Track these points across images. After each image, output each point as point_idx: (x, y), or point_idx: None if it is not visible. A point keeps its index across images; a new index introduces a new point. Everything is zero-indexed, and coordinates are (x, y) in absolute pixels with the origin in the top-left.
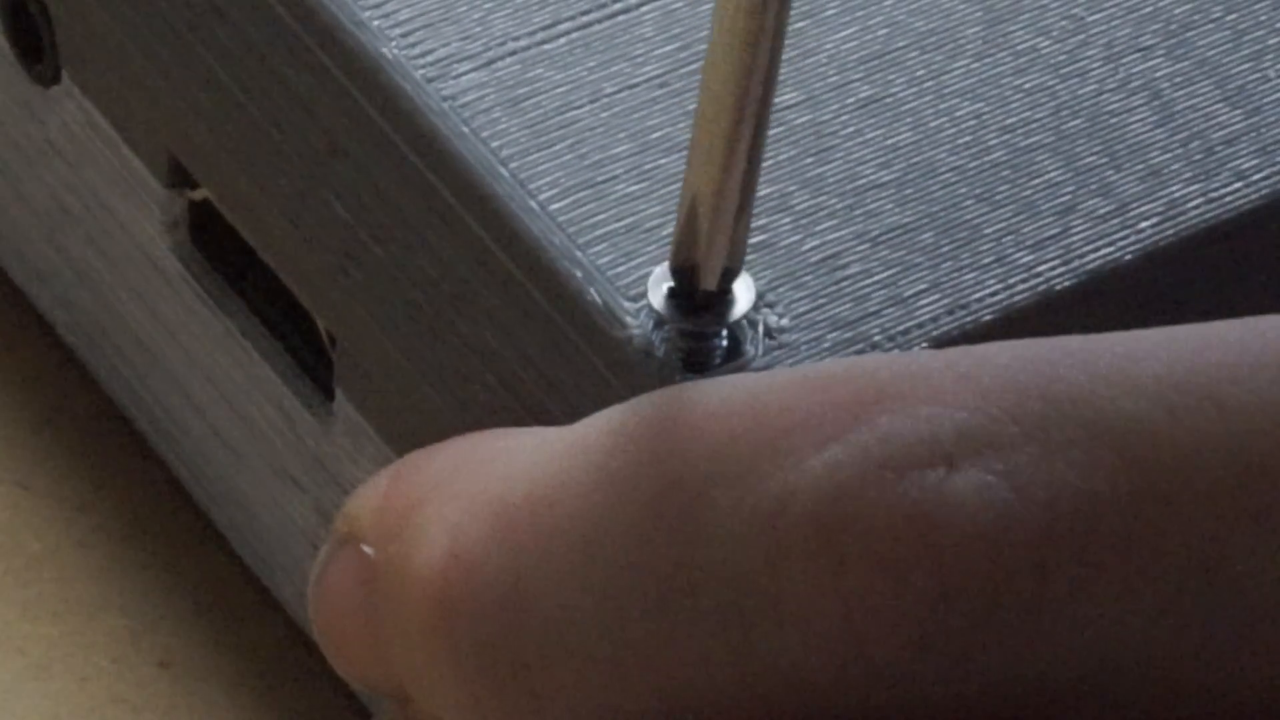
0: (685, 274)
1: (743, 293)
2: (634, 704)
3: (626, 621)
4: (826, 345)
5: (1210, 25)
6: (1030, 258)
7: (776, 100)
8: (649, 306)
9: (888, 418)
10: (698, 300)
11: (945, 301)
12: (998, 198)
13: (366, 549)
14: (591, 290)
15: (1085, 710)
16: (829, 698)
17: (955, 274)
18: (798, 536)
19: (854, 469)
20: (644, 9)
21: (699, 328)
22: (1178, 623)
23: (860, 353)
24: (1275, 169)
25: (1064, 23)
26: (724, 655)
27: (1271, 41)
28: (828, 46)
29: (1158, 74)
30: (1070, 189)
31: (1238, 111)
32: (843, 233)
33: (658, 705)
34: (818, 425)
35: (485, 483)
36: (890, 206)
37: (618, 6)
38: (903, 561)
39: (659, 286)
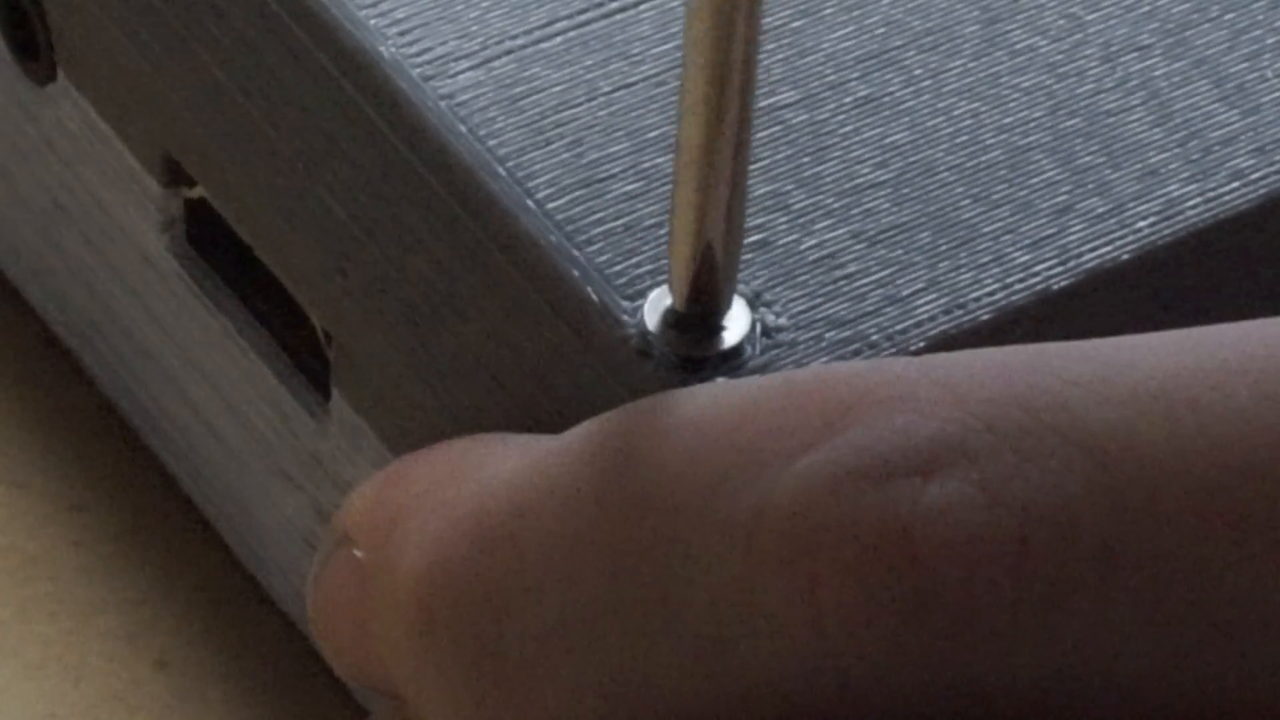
0: (683, 303)
1: (739, 313)
2: (610, 714)
3: (602, 633)
4: (824, 344)
5: (1208, 24)
6: (1027, 257)
7: (773, 99)
8: (646, 329)
9: (863, 427)
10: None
11: (942, 301)
12: (995, 197)
13: (358, 553)
14: (589, 289)
15: None
16: (803, 709)
17: (952, 273)
18: (771, 547)
19: (828, 479)
20: (641, 7)
21: (697, 353)
22: (1155, 632)
23: (857, 352)
24: (1273, 168)
25: (1061, 22)
26: (699, 666)
27: (1269, 41)
28: (825, 45)
29: (1155, 73)
30: (1067, 188)
31: (1235, 111)
32: (840, 232)
33: (633, 715)
34: (792, 435)
35: (467, 493)
36: (887, 206)
37: (614, 5)
38: (876, 573)
39: (656, 310)
